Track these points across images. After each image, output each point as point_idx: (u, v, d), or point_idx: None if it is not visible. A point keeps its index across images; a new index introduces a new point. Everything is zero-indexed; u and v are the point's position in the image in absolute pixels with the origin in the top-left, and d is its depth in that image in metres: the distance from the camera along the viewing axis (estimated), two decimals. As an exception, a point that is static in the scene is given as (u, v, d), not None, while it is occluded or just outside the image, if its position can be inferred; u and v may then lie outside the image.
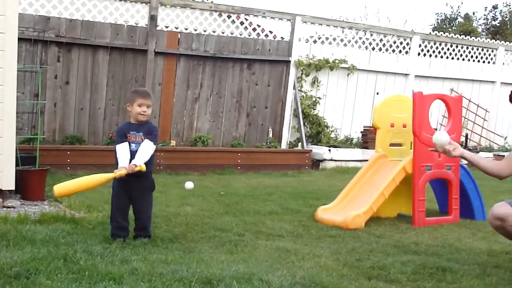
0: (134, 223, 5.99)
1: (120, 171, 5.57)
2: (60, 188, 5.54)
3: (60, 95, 11.28)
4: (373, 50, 14.91)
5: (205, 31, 12.74)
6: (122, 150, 5.71)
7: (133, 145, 5.75)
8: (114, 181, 5.84)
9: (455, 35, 16.63)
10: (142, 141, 5.76)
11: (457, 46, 16.17)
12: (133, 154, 5.71)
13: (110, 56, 11.65)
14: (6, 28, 7.20)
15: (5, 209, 7.14)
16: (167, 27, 12.37)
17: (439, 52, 15.90)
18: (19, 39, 7.73)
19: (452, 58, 16.14)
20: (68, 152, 10.60)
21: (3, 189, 7.40)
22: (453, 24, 30.47)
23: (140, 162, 5.63)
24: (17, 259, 4.81)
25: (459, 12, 31.08)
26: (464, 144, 15.30)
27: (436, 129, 8.37)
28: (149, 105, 5.86)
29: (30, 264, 4.70)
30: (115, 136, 5.94)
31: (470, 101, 16.03)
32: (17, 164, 7.63)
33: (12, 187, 7.49)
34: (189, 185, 8.80)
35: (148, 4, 11.93)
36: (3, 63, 7.23)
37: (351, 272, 5.13)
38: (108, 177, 5.60)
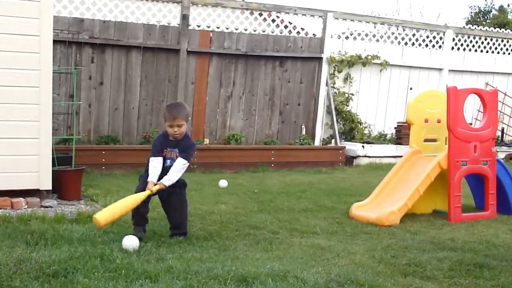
0: (168, 223, 6.05)
1: (149, 188, 5.71)
2: (103, 216, 5.50)
3: (94, 96, 11.40)
4: (406, 45, 14.78)
5: (236, 29, 12.76)
6: (156, 164, 5.82)
7: (168, 161, 5.86)
8: (141, 175, 6.03)
9: (489, 28, 16.40)
10: (177, 157, 5.83)
11: (491, 39, 15.96)
12: (166, 169, 5.83)
13: (143, 56, 11.73)
14: (41, 31, 7.30)
15: (43, 208, 7.25)
16: (199, 26, 12.42)
17: (473, 46, 15.71)
18: (54, 41, 7.81)
19: (487, 52, 15.94)
20: (103, 152, 10.71)
21: (40, 189, 7.51)
22: (487, 17, 30.05)
23: (167, 183, 5.75)
24: (55, 258, 4.88)
25: (493, 5, 30.62)
26: (500, 138, 15.11)
27: (470, 124, 8.29)
28: (180, 125, 5.81)
29: (68, 262, 4.76)
30: (152, 147, 5.98)
31: (506, 94, 15.82)
32: (53, 165, 7.73)
33: (49, 187, 7.59)
34: (223, 183, 8.85)
35: (180, 3, 11.98)
36: (39, 65, 7.33)
37: (387, 269, 5.11)
38: (144, 196, 5.71)
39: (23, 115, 7.29)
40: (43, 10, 7.29)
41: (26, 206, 7.27)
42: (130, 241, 5.38)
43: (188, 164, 5.87)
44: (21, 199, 7.31)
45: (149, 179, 5.76)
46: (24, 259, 4.83)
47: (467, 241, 6.24)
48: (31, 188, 7.45)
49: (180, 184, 5.97)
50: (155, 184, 5.73)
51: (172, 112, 5.87)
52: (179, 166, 5.81)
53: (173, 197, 5.91)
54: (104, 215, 5.50)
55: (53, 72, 7.63)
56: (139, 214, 5.89)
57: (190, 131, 11.90)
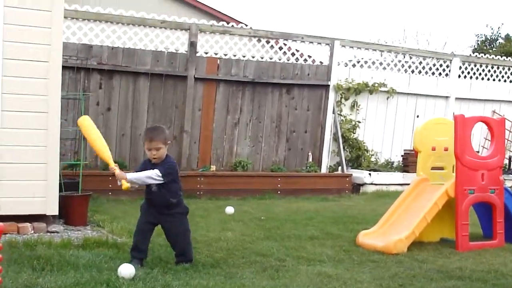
0: (173, 250, 6.04)
1: (115, 169, 5.75)
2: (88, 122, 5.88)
3: (102, 121, 11.43)
4: (412, 73, 14.82)
5: (244, 56, 12.83)
6: (139, 173, 5.80)
7: (154, 187, 5.83)
8: (141, 205, 6.00)
9: (496, 56, 16.45)
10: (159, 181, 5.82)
11: (498, 68, 16.00)
12: (153, 195, 5.85)
13: (151, 82, 11.79)
14: (50, 57, 7.36)
15: (49, 234, 7.24)
16: (206, 53, 12.49)
17: (480, 74, 15.74)
18: (63, 67, 7.86)
19: (494, 80, 15.97)
20: (110, 178, 10.67)
21: (47, 214, 7.51)
22: (493, 45, 30.13)
23: (129, 176, 5.71)
24: (61, 283, 4.87)
25: (499, 33, 30.73)
26: (507, 166, 15.06)
27: (478, 152, 8.28)
28: (158, 148, 5.80)
29: (74, 289, 4.76)
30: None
31: (513, 123, 15.80)
32: (60, 190, 7.74)
33: (56, 213, 7.60)
34: (229, 210, 8.84)
35: (188, 30, 12.07)
36: (47, 91, 7.38)
37: (394, 298, 5.08)
38: (109, 160, 5.84)
39: (31, 140, 7.32)
40: (53, 37, 7.36)
41: (32, 231, 7.27)
42: (126, 269, 5.30)
43: (161, 178, 5.73)
44: (28, 224, 7.31)
45: (124, 173, 5.76)
46: (30, 284, 4.83)
47: (475, 270, 6.21)
48: (38, 213, 7.45)
49: (182, 212, 5.97)
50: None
51: (149, 135, 5.88)
52: (151, 173, 5.74)
53: (174, 225, 5.91)
54: (89, 123, 5.87)
55: (61, 98, 7.67)
56: (137, 249, 5.88)
57: (197, 157, 11.92)
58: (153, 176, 5.73)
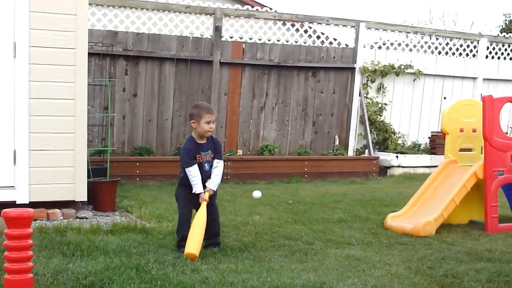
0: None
1: (204, 200, 5.71)
2: (195, 248, 5.50)
3: (128, 108, 11.49)
4: (439, 54, 14.67)
5: (269, 40, 12.78)
6: (196, 173, 5.74)
7: (206, 165, 5.84)
8: (178, 193, 5.94)
9: (524, 36, 16.21)
10: (212, 159, 5.85)
11: (526, 47, 15.77)
12: (206, 174, 5.82)
13: (176, 67, 11.81)
14: (76, 44, 7.41)
15: (78, 219, 7.32)
16: (231, 37, 12.46)
17: (508, 54, 15.52)
18: (89, 54, 7.92)
19: (522, 60, 15.75)
20: (137, 164, 10.78)
21: (76, 200, 7.59)
22: (522, 25, 29.68)
23: (215, 188, 5.81)
24: (91, 268, 4.91)
25: (528, 13, 30.28)
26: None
27: (506, 133, 8.19)
28: (214, 120, 5.90)
29: (104, 273, 4.80)
30: (183, 157, 5.86)
31: (541, 103, 15.58)
32: (88, 176, 7.81)
33: (85, 198, 7.67)
34: (257, 194, 8.84)
35: (213, 15, 12.05)
36: (74, 78, 7.43)
37: (423, 281, 5.05)
38: (205, 209, 5.70)
39: (58, 127, 7.39)
40: (78, 24, 7.40)
41: (61, 217, 7.35)
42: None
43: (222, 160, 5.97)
44: (57, 210, 7.39)
45: (198, 191, 5.72)
46: (60, 270, 4.88)
47: (505, 252, 6.15)
48: (66, 199, 7.53)
49: (216, 195, 5.97)
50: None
51: (208, 108, 5.93)
52: (221, 169, 5.89)
53: (212, 207, 5.86)
54: (195, 245, 5.47)
55: (88, 85, 7.72)
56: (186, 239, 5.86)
57: (224, 142, 11.94)
58: (222, 167, 5.94)
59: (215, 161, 5.86)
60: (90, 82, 9.42)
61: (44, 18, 7.24)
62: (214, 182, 5.81)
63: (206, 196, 5.72)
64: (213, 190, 5.79)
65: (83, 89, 7.52)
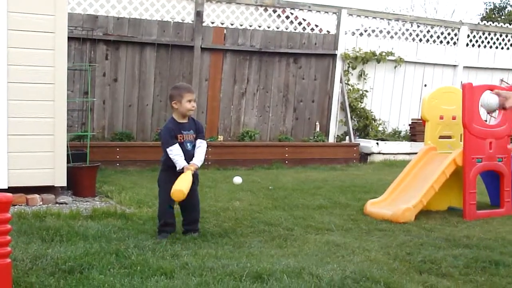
0: (182, 218, 6.04)
1: (189, 168, 5.68)
2: (185, 187, 5.55)
3: (108, 93, 11.42)
4: (420, 41, 14.72)
5: (251, 26, 12.75)
6: (178, 152, 5.74)
7: (188, 145, 5.83)
8: (161, 177, 5.92)
9: (504, 24, 16.30)
10: (194, 139, 5.86)
11: (506, 36, 15.84)
12: (188, 153, 5.80)
13: (157, 53, 11.75)
14: (56, 28, 7.33)
15: (57, 205, 7.29)
16: (213, 23, 12.41)
17: (488, 42, 15.60)
18: (69, 38, 7.85)
19: (502, 48, 15.82)
20: (117, 149, 10.73)
21: (55, 185, 7.54)
22: (502, 13, 29.84)
23: (199, 163, 5.80)
24: (71, 254, 4.90)
25: (508, 1, 30.41)
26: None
27: (486, 121, 8.24)
28: (195, 99, 5.94)
29: (83, 259, 4.79)
30: (164, 137, 5.86)
31: (521, 91, 15.68)
32: (68, 161, 7.76)
33: (64, 184, 7.63)
34: (237, 180, 8.82)
35: (194, 0, 11.99)
36: (53, 62, 7.36)
37: (402, 266, 5.10)
38: (190, 176, 5.68)
39: (37, 111, 7.32)
40: (57, 8, 7.32)
41: (41, 203, 7.31)
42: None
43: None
44: (36, 195, 7.35)
45: (182, 164, 5.69)
46: (39, 255, 4.86)
47: (482, 238, 6.21)
48: (46, 184, 7.49)
49: (196, 180, 5.94)
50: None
51: (188, 88, 5.99)
52: (204, 148, 5.90)
53: (192, 193, 5.80)
54: (184, 185, 5.52)
55: (67, 69, 7.66)
56: (168, 224, 5.89)
57: (204, 128, 11.90)
58: (205, 146, 5.96)
59: (198, 141, 5.88)
60: (70, 66, 9.35)
61: (23, 1, 7.15)
62: (198, 159, 5.81)
63: (191, 167, 5.70)
64: (197, 166, 5.76)
65: (62, 74, 7.46)
